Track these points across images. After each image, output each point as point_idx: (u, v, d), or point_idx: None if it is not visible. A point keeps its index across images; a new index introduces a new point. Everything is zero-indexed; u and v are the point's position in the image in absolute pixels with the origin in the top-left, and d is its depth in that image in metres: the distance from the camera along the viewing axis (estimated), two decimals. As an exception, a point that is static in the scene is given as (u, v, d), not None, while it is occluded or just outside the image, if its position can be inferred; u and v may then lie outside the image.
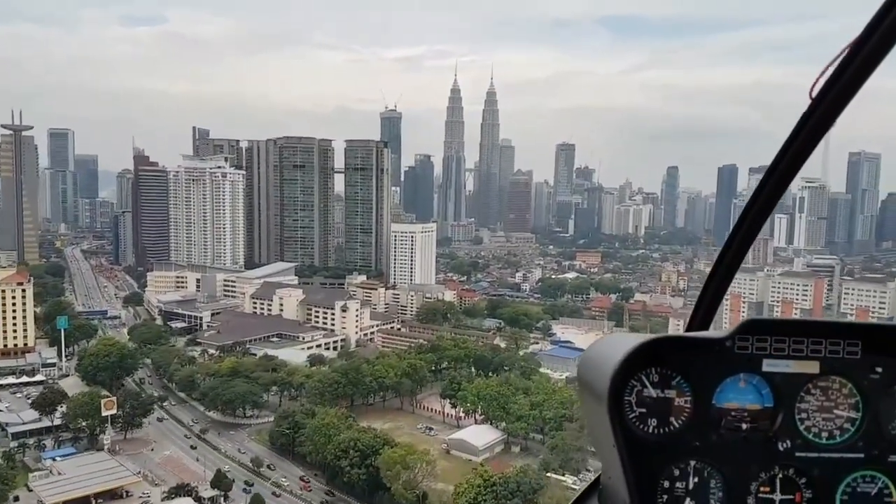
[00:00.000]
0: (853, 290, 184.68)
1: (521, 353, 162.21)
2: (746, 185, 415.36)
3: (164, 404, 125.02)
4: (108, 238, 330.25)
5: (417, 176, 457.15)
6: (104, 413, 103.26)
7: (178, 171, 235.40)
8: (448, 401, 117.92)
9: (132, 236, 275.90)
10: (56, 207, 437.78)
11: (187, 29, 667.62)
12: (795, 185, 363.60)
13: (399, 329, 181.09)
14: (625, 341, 2.40)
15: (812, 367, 2.46)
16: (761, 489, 2.46)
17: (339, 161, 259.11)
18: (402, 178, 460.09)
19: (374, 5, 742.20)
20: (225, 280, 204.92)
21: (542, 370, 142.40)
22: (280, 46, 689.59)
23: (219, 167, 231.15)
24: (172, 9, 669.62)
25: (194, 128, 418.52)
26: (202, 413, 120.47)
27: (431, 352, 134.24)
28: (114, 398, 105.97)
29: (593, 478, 3.15)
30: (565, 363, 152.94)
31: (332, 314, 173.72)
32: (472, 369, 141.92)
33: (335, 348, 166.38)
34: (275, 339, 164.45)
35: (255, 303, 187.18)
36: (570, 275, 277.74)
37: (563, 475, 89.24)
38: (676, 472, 2.43)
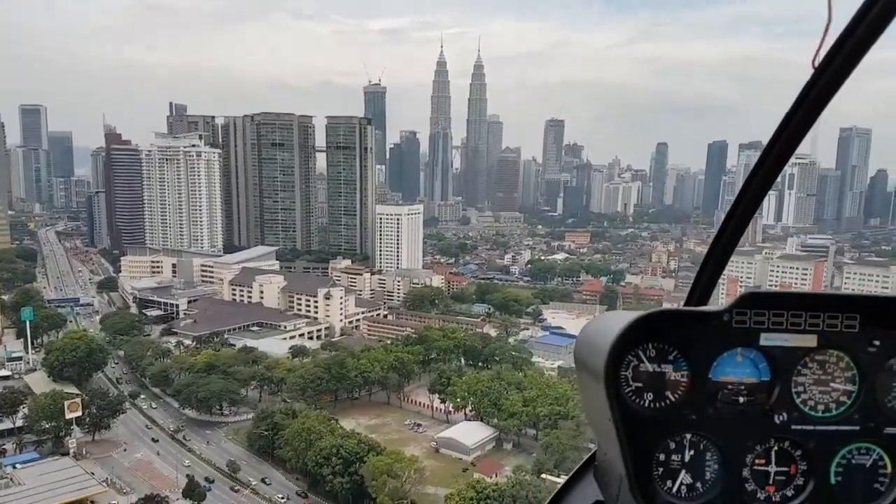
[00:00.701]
0: (854, 273, 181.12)
1: (511, 340, 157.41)
2: (736, 161, 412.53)
3: (137, 401, 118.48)
4: (84, 219, 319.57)
5: (403, 153, 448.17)
6: (68, 416, 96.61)
7: (150, 150, 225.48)
8: (437, 395, 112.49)
9: (107, 218, 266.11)
10: (30, 187, 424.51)
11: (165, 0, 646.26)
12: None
13: (385, 316, 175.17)
14: (622, 317, 2.41)
15: (810, 341, 2.47)
16: (757, 461, 2.48)
17: (320, 139, 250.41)
18: (388, 156, 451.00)
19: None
20: (202, 265, 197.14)
21: (534, 360, 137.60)
22: (261, 16, 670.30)
23: (193, 145, 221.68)
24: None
25: (171, 103, 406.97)
26: (177, 411, 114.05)
27: (419, 343, 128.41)
28: (78, 400, 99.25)
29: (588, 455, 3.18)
30: (557, 351, 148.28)
31: (316, 301, 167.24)
32: (462, 360, 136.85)
33: (319, 337, 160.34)
34: (255, 328, 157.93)
35: (234, 289, 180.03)
36: (560, 256, 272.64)
37: (559, 476, 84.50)
38: (672, 446, 2.47)
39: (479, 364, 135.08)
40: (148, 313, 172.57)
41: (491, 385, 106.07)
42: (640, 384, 2.44)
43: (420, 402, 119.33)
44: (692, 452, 2.46)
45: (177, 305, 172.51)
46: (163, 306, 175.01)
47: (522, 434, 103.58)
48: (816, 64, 2.30)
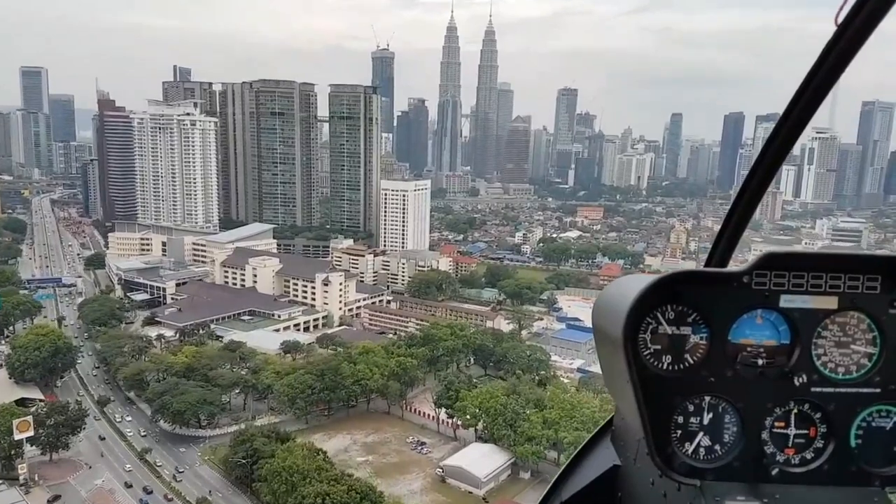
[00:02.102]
0: None
1: (524, 333, 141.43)
2: (753, 133, 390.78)
3: (108, 408, 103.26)
4: (81, 187, 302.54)
5: (411, 122, 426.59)
6: (17, 437, 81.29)
7: (142, 119, 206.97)
8: (444, 409, 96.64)
9: (99, 188, 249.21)
10: (29, 151, 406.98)
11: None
12: (805, 136, 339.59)
13: (389, 303, 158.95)
14: (641, 279, 2.38)
15: (830, 303, 2.40)
16: (776, 424, 2.44)
17: (324, 108, 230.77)
18: (395, 124, 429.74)
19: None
20: (194, 244, 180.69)
21: (551, 358, 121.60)
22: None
23: (188, 114, 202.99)
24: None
25: (175, 67, 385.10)
26: (150, 422, 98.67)
27: (424, 343, 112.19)
28: (29, 418, 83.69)
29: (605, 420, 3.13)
30: (576, 348, 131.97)
31: (313, 287, 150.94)
32: (472, 359, 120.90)
33: (317, 326, 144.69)
34: (246, 317, 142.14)
35: (226, 272, 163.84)
36: (573, 234, 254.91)
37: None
38: (691, 408, 2.42)
39: (491, 364, 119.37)
40: (133, 297, 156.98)
41: (506, 402, 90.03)
42: (658, 347, 2.40)
43: (424, 413, 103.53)
44: (711, 415, 2.42)
45: (164, 289, 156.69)
46: (149, 289, 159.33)
47: (542, 457, 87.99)
48: (839, 21, 2.23)
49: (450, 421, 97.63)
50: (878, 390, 2.42)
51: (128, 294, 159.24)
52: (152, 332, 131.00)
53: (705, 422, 2.41)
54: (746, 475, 2.41)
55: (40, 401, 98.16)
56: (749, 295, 2.39)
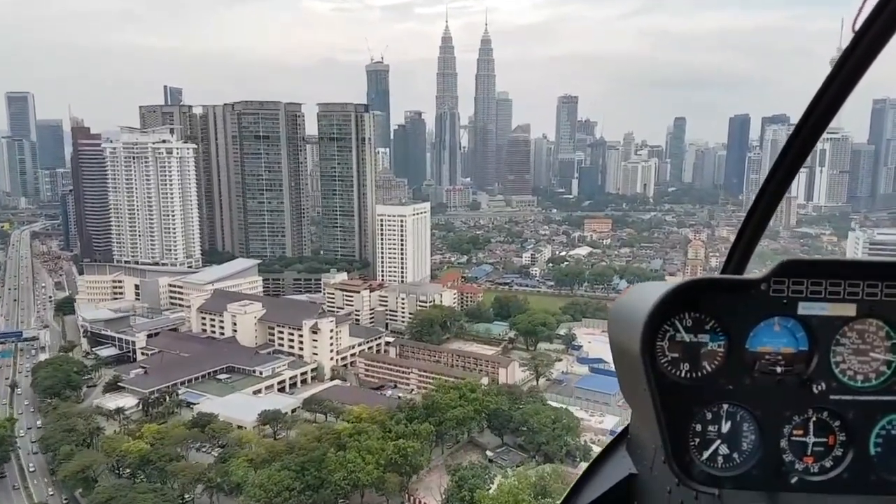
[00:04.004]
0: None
1: (542, 381, 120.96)
2: (759, 135, 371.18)
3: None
4: (62, 218, 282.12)
5: (408, 135, 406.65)
6: None
7: (115, 148, 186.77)
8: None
9: (75, 222, 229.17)
10: (15, 179, 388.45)
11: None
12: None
13: (387, 348, 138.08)
14: (658, 287, 2.33)
15: (849, 310, 2.35)
16: (794, 432, 2.39)
17: (312, 127, 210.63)
18: (392, 138, 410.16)
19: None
20: (170, 286, 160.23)
21: (576, 413, 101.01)
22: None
23: (163, 141, 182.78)
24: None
25: (165, 87, 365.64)
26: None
27: (428, 415, 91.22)
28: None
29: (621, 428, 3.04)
30: (605, 399, 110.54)
31: (300, 335, 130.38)
32: (485, 424, 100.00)
33: (305, 381, 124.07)
34: (223, 375, 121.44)
35: (203, 318, 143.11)
36: (583, 250, 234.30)
37: None
38: (709, 416, 2.37)
39: (508, 430, 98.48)
40: (99, 352, 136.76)
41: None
42: (676, 354, 2.35)
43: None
44: (729, 423, 2.37)
45: (133, 343, 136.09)
46: (117, 342, 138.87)
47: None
48: (856, 28, 2.17)
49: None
50: None
51: (94, 349, 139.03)
52: (113, 401, 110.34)
53: (723, 430, 2.36)
54: (765, 484, 2.35)
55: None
56: (767, 302, 2.34)
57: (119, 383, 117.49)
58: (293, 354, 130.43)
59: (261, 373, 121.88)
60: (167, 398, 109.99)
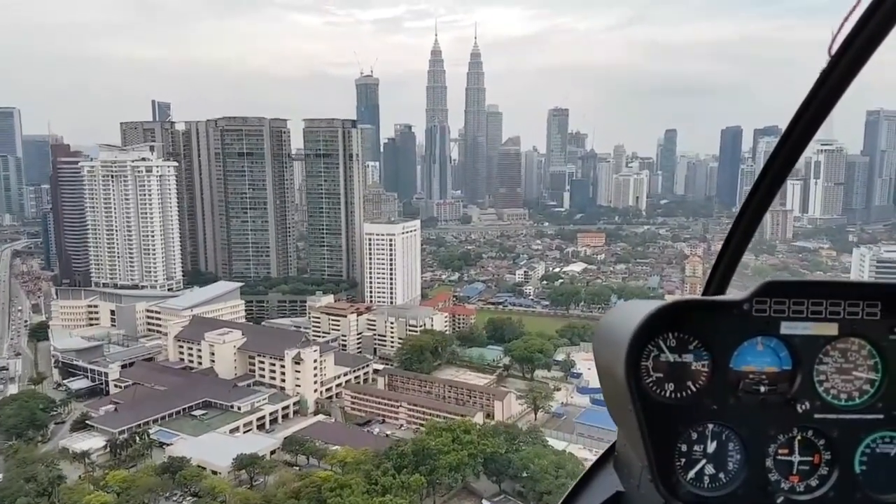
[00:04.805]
0: None
1: (541, 415, 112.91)
2: (752, 147, 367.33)
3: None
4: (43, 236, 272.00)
5: (398, 149, 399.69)
6: None
7: (93, 167, 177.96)
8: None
9: (54, 242, 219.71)
10: (0, 196, 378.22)
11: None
12: (810, 149, 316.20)
13: (375, 373, 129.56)
14: (642, 307, 2.31)
15: (831, 329, 2.37)
16: (780, 451, 2.38)
17: (298, 142, 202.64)
18: (382, 151, 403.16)
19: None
20: (147, 311, 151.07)
21: (579, 454, 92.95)
22: (255, 10, 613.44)
23: (143, 159, 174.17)
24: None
25: (154, 101, 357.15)
26: None
27: (417, 463, 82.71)
28: None
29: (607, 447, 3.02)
30: (609, 437, 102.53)
31: (282, 365, 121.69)
32: (481, 469, 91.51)
33: (287, 416, 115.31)
34: (200, 410, 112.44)
35: (181, 347, 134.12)
36: (577, 266, 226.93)
37: None
38: (694, 436, 2.36)
39: (507, 476, 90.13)
40: (70, 385, 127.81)
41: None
42: (660, 374, 2.35)
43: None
44: (714, 443, 2.36)
45: (106, 374, 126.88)
46: (90, 374, 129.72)
47: None
48: (832, 52, 2.18)
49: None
50: (881, 416, 2.37)
51: (65, 381, 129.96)
52: (79, 443, 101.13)
53: (709, 450, 2.36)
54: (751, 503, 2.35)
55: None
56: (750, 322, 2.34)
57: (88, 421, 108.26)
58: (274, 386, 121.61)
59: (239, 408, 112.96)
60: (138, 438, 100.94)
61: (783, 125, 2.50)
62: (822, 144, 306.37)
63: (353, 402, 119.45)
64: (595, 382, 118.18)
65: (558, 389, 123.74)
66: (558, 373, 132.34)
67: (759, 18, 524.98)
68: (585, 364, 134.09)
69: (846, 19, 2.07)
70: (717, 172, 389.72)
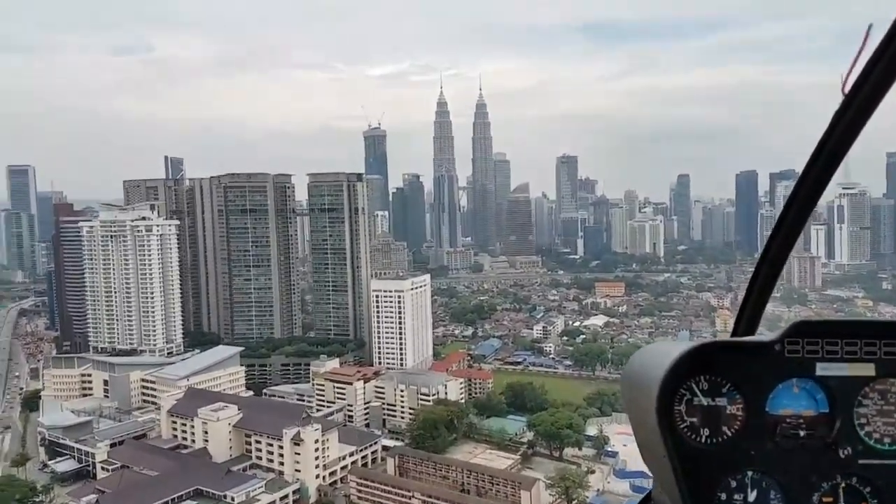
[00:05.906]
0: None
1: None
2: (769, 191, 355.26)
3: None
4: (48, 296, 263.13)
5: (406, 198, 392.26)
6: None
7: (92, 227, 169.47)
8: None
9: (56, 303, 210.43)
10: (12, 253, 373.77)
11: (167, 53, 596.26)
12: (833, 193, 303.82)
13: (384, 459, 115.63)
14: (671, 349, 2.23)
15: (868, 370, 2.27)
16: (824, 499, 2.25)
17: (303, 196, 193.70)
18: (391, 201, 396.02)
19: (349, 17, 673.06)
20: (143, 381, 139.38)
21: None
22: (262, 69, 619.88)
23: (143, 218, 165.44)
24: (155, 35, 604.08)
25: (167, 157, 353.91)
26: None
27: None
28: None
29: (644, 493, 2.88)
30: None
31: (281, 446, 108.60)
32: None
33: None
34: (189, 502, 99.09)
35: (174, 423, 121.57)
36: (599, 320, 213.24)
37: None
38: (733, 484, 2.25)
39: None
40: (56, 467, 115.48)
41: None
42: (694, 419, 2.25)
43: None
44: (755, 491, 2.23)
45: (93, 455, 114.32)
46: (76, 454, 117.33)
47: None
48: (846, 91, 2.14)
49: None
50: None
51: (50, 462, 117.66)
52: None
53: (750, 499, 2.22)
54: None
55: None
56: (783, 364, 2.25)
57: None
58: (272, 470, 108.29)
59: (233, 498, 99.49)
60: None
61: (799, 168, 2.41)
62: (844, 188, 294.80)
63: (359, 490, 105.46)
64: (632, 461, 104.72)
65: (592, 472, 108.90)
66: (591, 450, 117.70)
67: (753, 64, 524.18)
68: (620, 439, 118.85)
69: (857, 57, 2.00)
70: (735, 217, 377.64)
